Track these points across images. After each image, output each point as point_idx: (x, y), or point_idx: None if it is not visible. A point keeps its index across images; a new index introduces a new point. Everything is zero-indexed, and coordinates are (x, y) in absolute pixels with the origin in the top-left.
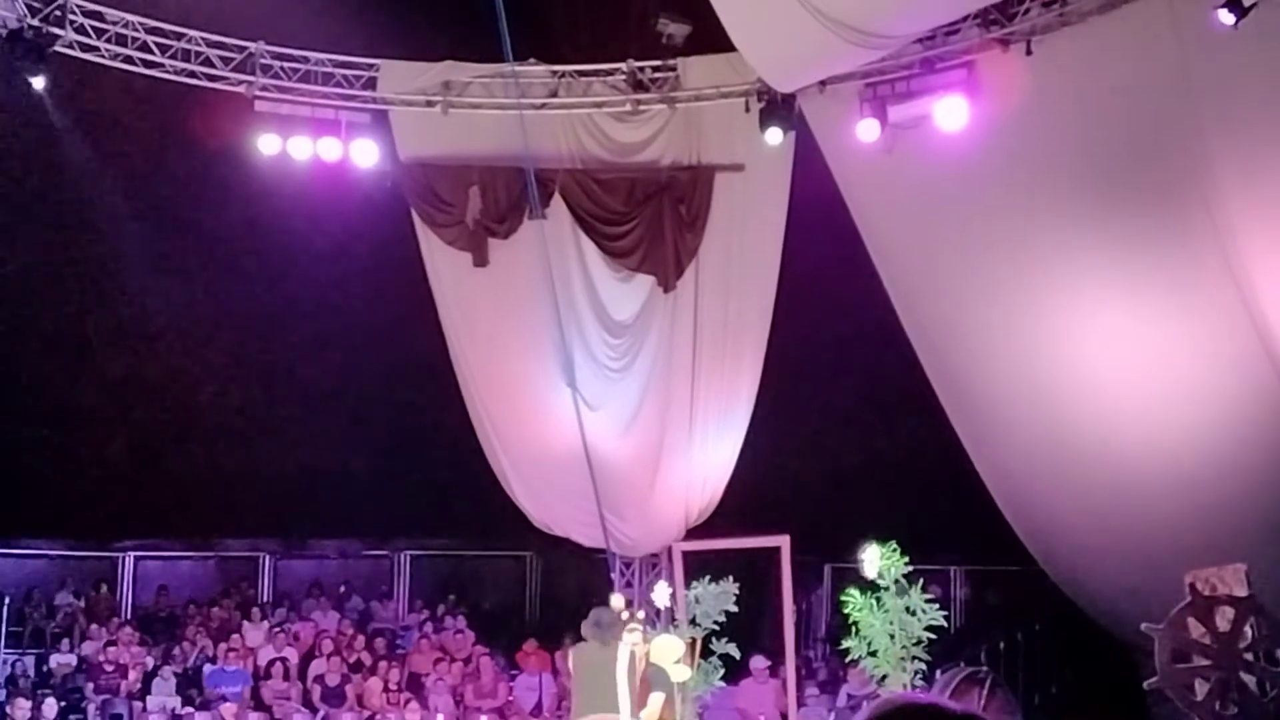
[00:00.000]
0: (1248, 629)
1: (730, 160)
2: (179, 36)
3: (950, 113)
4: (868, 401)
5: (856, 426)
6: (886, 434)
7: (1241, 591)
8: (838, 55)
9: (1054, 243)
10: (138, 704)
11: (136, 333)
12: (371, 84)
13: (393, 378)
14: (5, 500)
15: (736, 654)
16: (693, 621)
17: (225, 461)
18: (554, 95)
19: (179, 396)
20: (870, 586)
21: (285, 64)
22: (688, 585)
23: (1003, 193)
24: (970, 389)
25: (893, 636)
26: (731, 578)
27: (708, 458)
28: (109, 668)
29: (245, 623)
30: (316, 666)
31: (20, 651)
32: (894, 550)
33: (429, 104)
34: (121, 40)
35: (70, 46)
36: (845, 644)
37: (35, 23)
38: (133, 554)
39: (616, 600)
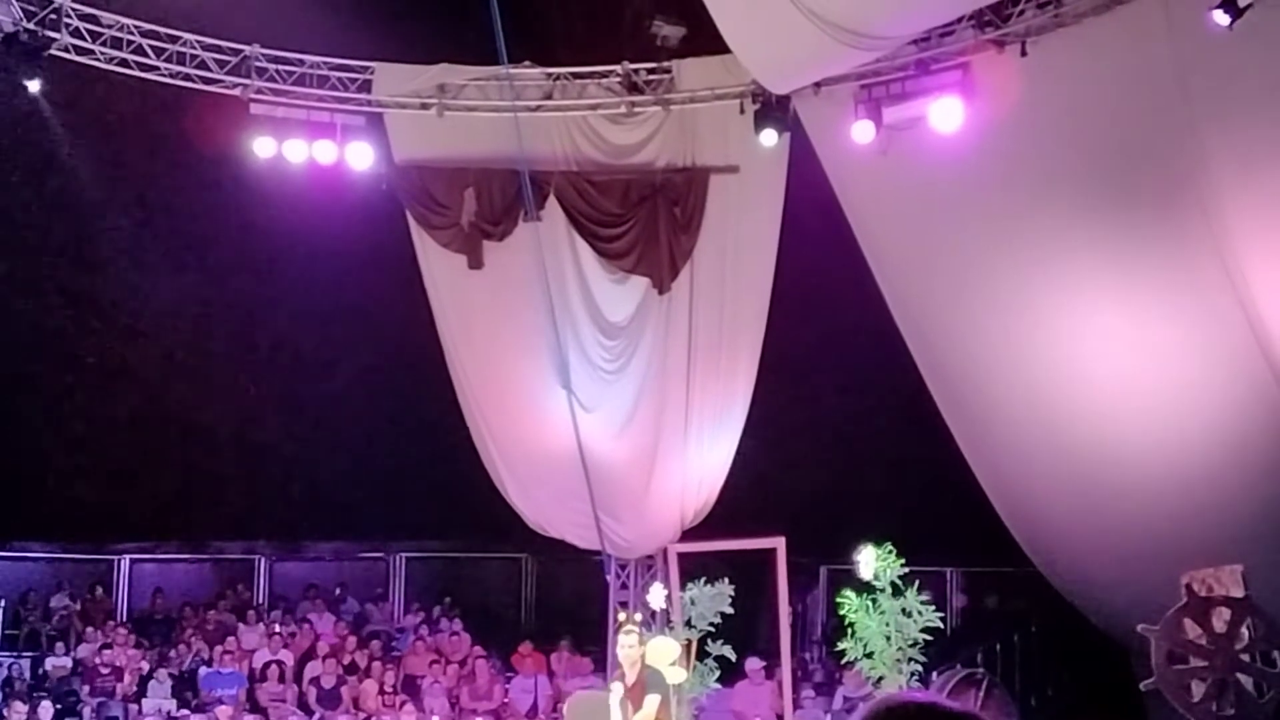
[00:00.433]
0: (1244, 630)
1: (725, 162)
2: (174, 39)
3: (945, 114)
4: (863, 403)
5: (852, 428)
6: (882, 436)
7: (1238, 592)
8: (832, 57)
9: (1050, 244)
10: (133, 707)
11: (132, 335)
12: (366, 87)
13: (388, 380)
14: (1, 503)
15: (732, 656)
16: (688, 623)
17: (221, 464)
18: (549, 97)
19: (173, 399)
20: (866, 588)
21: (280, 67)
22: (683, 587)
23: (998, 194)
24: (966, 390)
25: (889, 638)
26: (727, 579)
27: (703, 459)
28: (105, 670)
29: (241, 625)
30: (312, 669)
31: (16, 654)
32: (890, 552)
33: (424, 106)
34: (117, 43)
35: (65, 49)
36: (841, 646)
37: (30, 26)
38: (128, 557)
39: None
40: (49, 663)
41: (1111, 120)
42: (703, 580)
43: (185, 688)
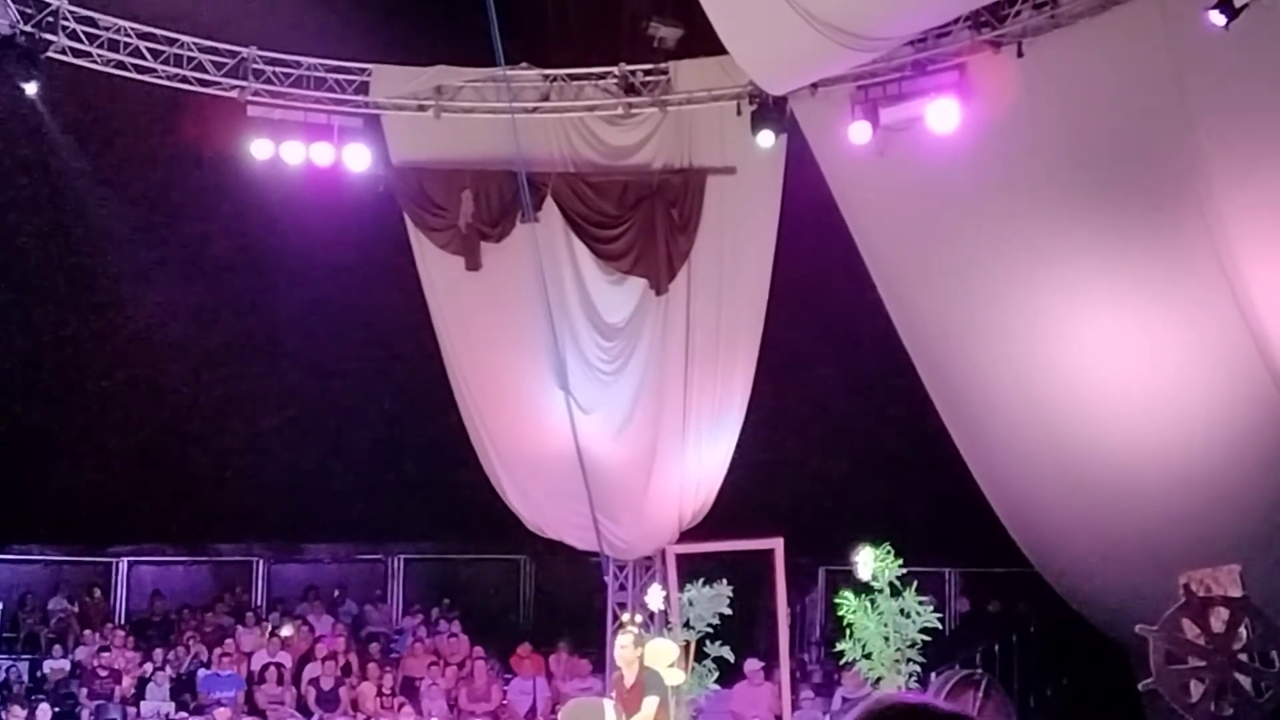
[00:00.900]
0: (1242, 630)
1: (722, 163)
2: (171, 42)
3: (942, 115)
4: (862, 403)
5: (850, 429)
6: (881, 436)
7: (1236, 592)
8: (829, 58)
9: (1047, 245)
10: (132, 709)
11: (129, 337)
12: (364, 88)
13: (386, 381)
14: None
15: (731, 657)
16: (687, 625)
17: (219, 466)
18: (546, 99)
19: (171, 401)
20: (865, 589)
21: (277, 69)
22: (681, 588)
23: (995, 195)
24: (963, 390)
25: (887, 639)
26: (725, 580)
27: (701, 460)
28: (103, 673)
29: (239, 627)
30: (311, 671)
31: (14, 657)
32: (888, 552)
33: (421, 108)
34: (114, 46)
35: (63, 52)
36: (840, 646)
37: (28, 28)
38: (126, 559)
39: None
40: (47, 665)
41: (1108, 121)
42: (701, 581)
43: (184, 690)
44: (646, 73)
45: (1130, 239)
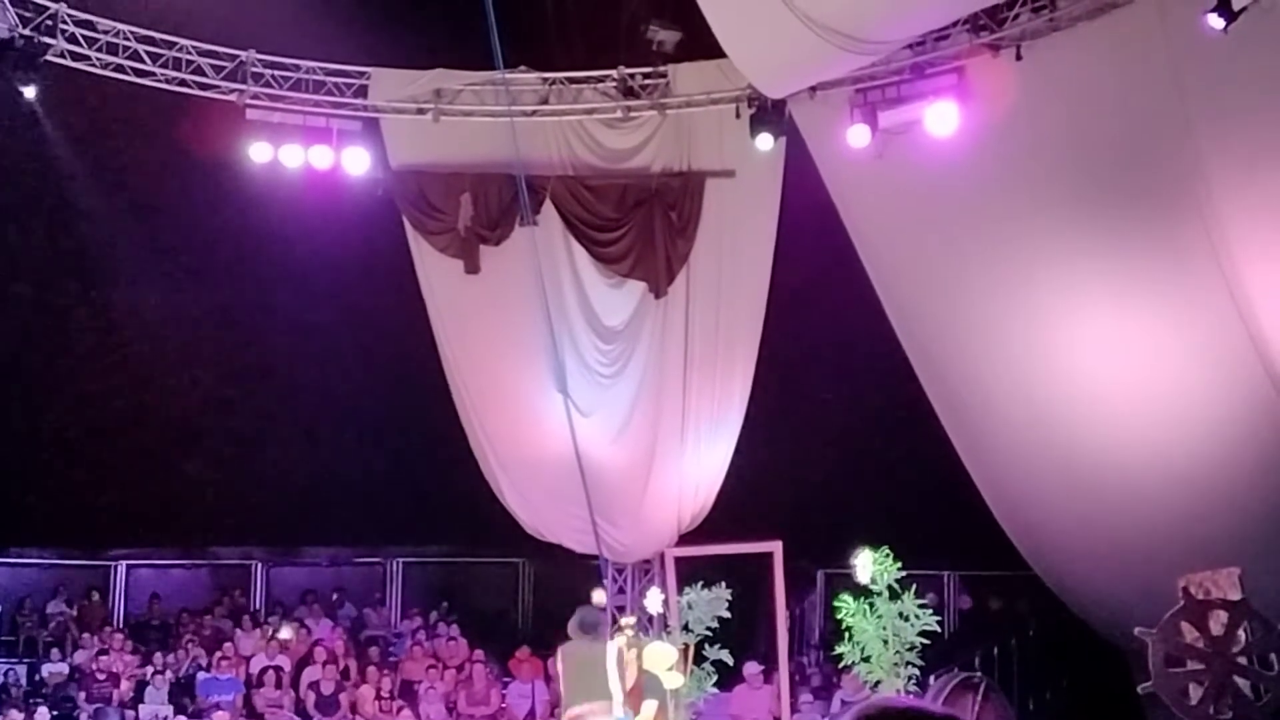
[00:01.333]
0: (1241, 633)
1: (721, 166)
2: (170, 45)
3: (941, 118)
4: (860, 406)
5: (849, 431)
6: (879, 439)
7: (1235, 595)
8: (828, 61)
9: (1046, 247)
10: (130, 713)
11: (128, 340)
12: (363, 92)
13: (384, 384)
14: None
15: (730, 660)
16: (685, 628)
17: (217, 469)
18: (545, 102)
19: (170, 404)
20: (864, 592)
21: (276, 72)
22: (680, 591)
23: (994, 198)
24: (963, 393)
25: (886, 642)
26: (724, 583)
27: (700, 463)
28: (101, 676)
29: (238, 631)
30: (309, 674)
31: (12, 660)
32: (887, 555)
33: (420, 111)
34: (113, 49)
35: (61, 56)
36: (839, 650)
37: (26, 32)
38: (125, 562)
39: (598, 596)
40: (45, 669)
41: (1107, 124)
42: (700, 584)
43: (182, 694)
44: (645, 76)
45: (1129, 241)
